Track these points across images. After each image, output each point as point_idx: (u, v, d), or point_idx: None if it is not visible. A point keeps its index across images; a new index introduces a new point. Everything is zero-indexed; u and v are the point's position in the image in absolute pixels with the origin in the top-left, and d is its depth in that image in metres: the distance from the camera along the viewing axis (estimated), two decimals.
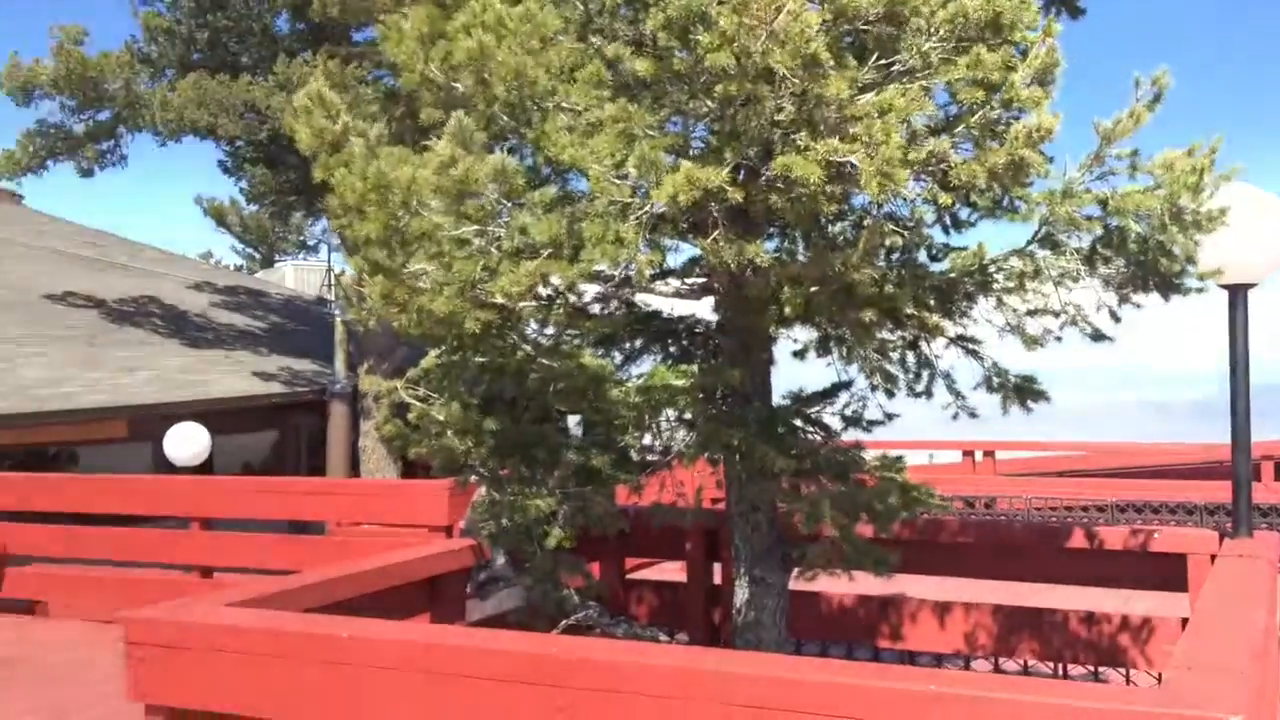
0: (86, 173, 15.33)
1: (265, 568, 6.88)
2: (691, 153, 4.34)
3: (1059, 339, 5.06)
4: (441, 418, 5.21)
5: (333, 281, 19.66)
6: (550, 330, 5.04)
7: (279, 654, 3.59)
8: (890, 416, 5.24)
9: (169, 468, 12.76)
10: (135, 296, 18.06)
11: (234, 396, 14.96)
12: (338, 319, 16.08)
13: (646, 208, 3.93)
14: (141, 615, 3.80)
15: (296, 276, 31.63)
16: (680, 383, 4.80)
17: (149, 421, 13.54)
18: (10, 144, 14.88)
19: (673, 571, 7.29)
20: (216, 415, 13.90)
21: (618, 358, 5.31)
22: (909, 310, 4.60)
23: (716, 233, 4.10)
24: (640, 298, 5.24)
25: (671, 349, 5.36)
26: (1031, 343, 4.93)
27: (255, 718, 3.62)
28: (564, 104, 4.11)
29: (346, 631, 3.54)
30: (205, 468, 13.02)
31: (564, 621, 5.25)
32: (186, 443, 13.00)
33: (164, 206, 70.57)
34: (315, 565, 5.69)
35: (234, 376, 15.73)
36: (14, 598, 7.75)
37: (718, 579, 6.38)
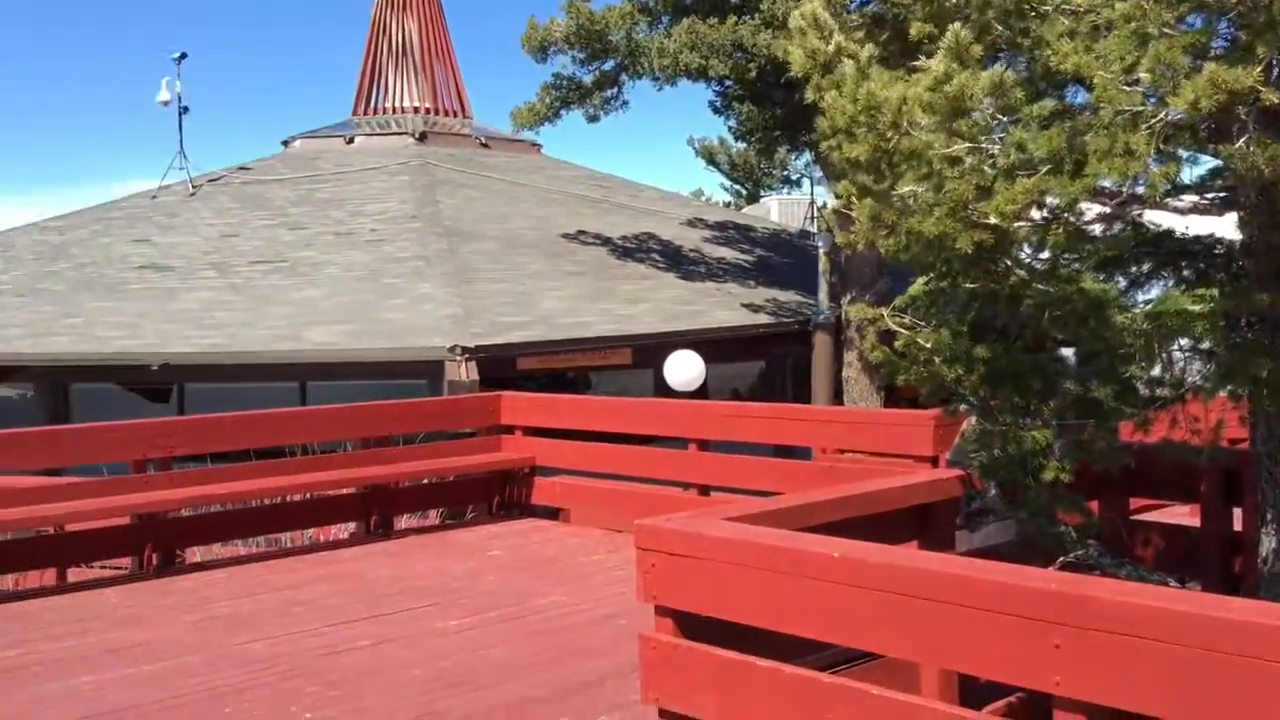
0: (593, 119, 16.69)
1: (755, 488, 7.18)
2: (1213, 52, 3.88)
3: None
4: (929, 345, 5.12)
5: (815, 214, 19.95)
6: (1046, 253, 4.77)
7: (772, 568, 3.73)
8: None
9: (668, 392, 13.71)
10: (636, 234, 19.46)
11: (724, 327, 15.73)
12: (821, 251, 16.31)
13: (1160, 116, 3.58)
14: (651, 525, 4.09)
15: (780, 210, 32.52)
16: (1197, 308, 4.35)
17: (650, 350, 14.61)
18: (526, 99, 16.58)
19: (1181, 515, 6.71)
20: (709, 344, 14.70)
21: (1122, 282, 4.91)
22: None
23: (1244, 139, 3.65)
24: (1149, 216, 4.81)
25: (1186, 272, 4.87)
26: None
27: (752, 625, 3.80)
28: (1065, 6, 3.83)
29: (837, 551, 3.61)
30: (700, 393, 13.84)
31: (1060, 559, 5.00)
32: (684, 369, 13.91)
33: (656, 147, 75.30)
34: (800, 488, 5.85)
35: (724, 308, 16.52)
36: (543, 504, 8.76)
37: (1238, 525, 5.77)
